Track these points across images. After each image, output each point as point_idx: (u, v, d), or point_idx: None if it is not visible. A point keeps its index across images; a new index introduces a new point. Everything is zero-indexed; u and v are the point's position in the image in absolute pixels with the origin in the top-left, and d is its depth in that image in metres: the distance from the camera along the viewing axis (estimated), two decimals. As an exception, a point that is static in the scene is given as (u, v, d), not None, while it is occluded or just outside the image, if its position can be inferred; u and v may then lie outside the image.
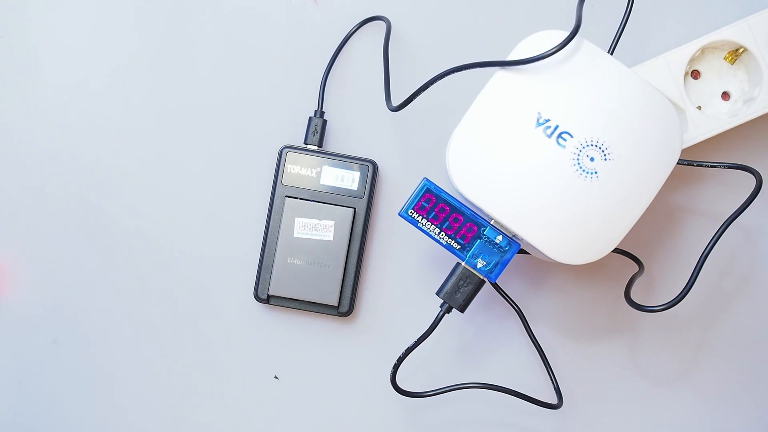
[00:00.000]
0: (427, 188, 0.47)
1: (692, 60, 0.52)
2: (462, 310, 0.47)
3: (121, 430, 0.55)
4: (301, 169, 0.54)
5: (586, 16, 0.54)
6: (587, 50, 0.46)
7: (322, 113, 0.55)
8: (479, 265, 0.47)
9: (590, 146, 0.45)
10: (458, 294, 0.47)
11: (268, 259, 0.54)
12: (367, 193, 0.54)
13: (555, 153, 0.45)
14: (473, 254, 0.47)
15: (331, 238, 0.53)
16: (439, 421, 0.55)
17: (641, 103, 0.46)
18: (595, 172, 0.45)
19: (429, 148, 0.55)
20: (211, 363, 0.55)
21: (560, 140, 0.45)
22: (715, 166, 0.49)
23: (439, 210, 0.47)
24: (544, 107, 0.45)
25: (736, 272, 0.55)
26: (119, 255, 0.55)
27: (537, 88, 0.46)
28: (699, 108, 0.52)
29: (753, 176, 0.48)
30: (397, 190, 0.55)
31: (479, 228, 0.47)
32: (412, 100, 0.49)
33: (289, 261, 0.53)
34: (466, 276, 0.47)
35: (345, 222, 0.53)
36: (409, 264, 0.55)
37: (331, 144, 0.56)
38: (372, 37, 0.56)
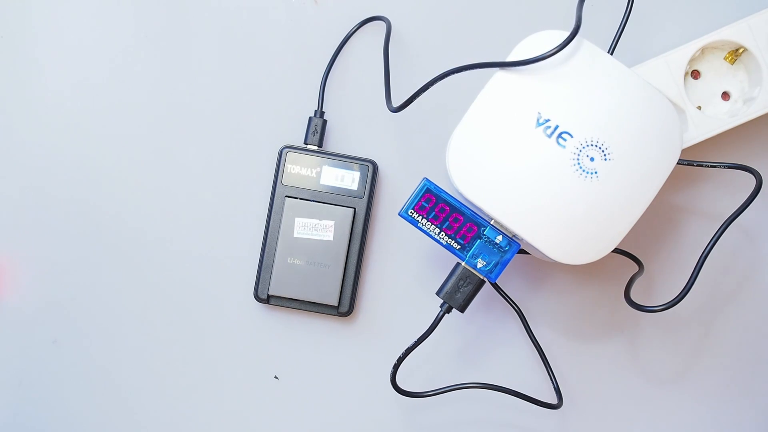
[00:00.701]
0: (427, 188, 0.47)
1: (692, 60, 0.52)
2: (462, 310, 0.47)
3: (122, 430, 0.55)
4: (301, 169, 0.54)
5: (586, 16, 0.54)
6: (587, 50, 0.46)
7: (322, 113, 0.55)
8: (479, 265, 0.47)
9: (590, 146, 0.45)
10: (458, 294, 0.47)
11: (268, 259, 0.54)
12: (367, 193, 0.54)
13: (555, 153, 0.45)
14: (473, 254, 0.47)
15: (331, 238, 0.53)
16: (439, 421, 0.55)
17: (641, 103, 0.46)
18: (595, 172, 0.45)
19: (429, 148, 0.55)
20: (211, 363, 0.55)
21: (560, 140, 0.45)
22: (715, 166, 0.49)
23: (439, 210, 0.47)
24: (544, 107, 0.45)
25: (736, 272, 0.55)
26: (119, 255, 0.55)
27: (537, 88, 0.46)
28: (699, 108, 0.52)
29: (753, 176, 0.48)
30: (397, 190, 0.55)
31: (479, 228, 0.47)
32: (412, 101, 0.49)
33: (289, 261, 0.53)
34: (466, 276, 0.47)
35: (345, 222, 0.53)
36: (409, 264, 0.55)
37: (331, 144, 0.56)
38: (372, 37, 0.56)
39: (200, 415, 0.55)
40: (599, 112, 0.45)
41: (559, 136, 0.45)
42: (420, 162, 0.55)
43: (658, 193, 0.46)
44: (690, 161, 0.50)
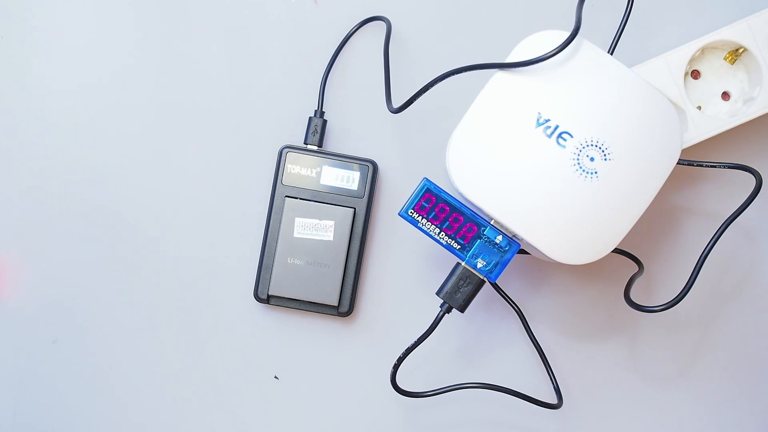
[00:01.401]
0: (427, 188, 0.47)
1: (692, 60, 0.52)
2: (462, 310, 0.47)
3: (121, 430, 0.55)
4: (301, 169, 0.54)
5: (586, 16, 0.54)
6: (587, 50, 0.46)
7: (322, 113, 0.55)
8: (479, 265, 0.47)
9: (590, 146, 0.45)
10: (458, 294, 0.47)
11: (268, 259, 0.54)
12: (367, 193, 0.54)
13: (555, 153, 0.45)
14: (473, 254, 0.47)
15: (331, 238, 0.53)
16: (439, 421, 0.55)
17: (641, 103, 0.46)
18: (595, 172, 0.45)
19: (429, 148, 0.55)
20: (211, 363, 0.55)
21: (560, 140, 0.45)
22: (715, 166, 0.49)
23: (439, 210, 0.47)
24: (544, 107, 0.45)
25: (736, 272, 0.55)
26: (119, 255, 0.55)
27: (537, 88, 0.46)
28: (699, 108, 0.52)
29: (753, 176, 0.48)
30: (397, 190, 0.55)
31: (479, 228, 0.47)
32: (412, 102, 0.49)
33: (289, 261, 0.53)
34: (466, 276, 0.47)
35: (345, 222, 0.53)
36: (409, 264, 0.55)
37: (331, 144, 0.56)
38: (372, 37, 0.56)
39: (200, 415, 0.55)
40: (599, 112, 0.45)
41: (559, 136, 0.45)
42: (420, 162, 0.55)
43: (658, 193, 0.46)
44: (690, 161, 0.50)
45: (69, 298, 0.55)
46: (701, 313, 0.55)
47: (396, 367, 0.49)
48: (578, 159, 0.45)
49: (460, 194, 0.46)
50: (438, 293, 0.47)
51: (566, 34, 0.45)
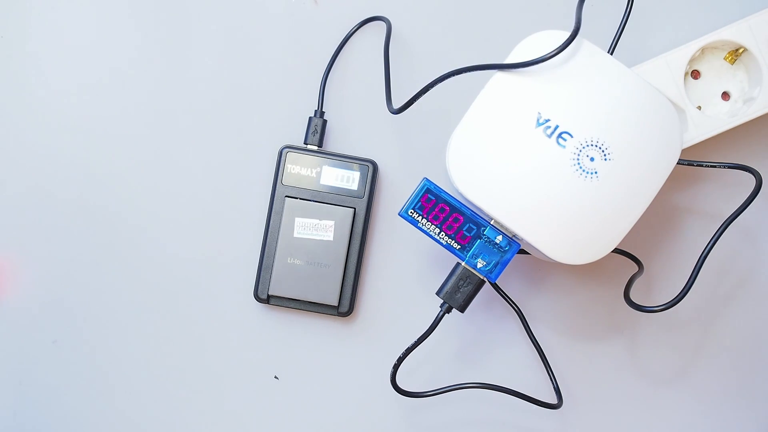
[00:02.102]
0: (427, 188, 0.47)
1: (692, 60, 0.52)
2: (462, 310, 0.47)
3: (121, 430, 0.55)
4: (301, 169, 0.54)
5: (586, 16, 0.54)
6: (587, 50, 0.46)
7: (322, 113, 0.55)
8: (479, 265, 0.47)
9: (590, 146, 0.45)
10: (458, 294, 0.47)
11: (268, 259, 0.54)
12: (367, 193, 0.54)
13: (555, 153, 0.45)
14: (473, 254, 0.47)
15: (331, 238, 0.53)
16: (439, 421, 0.55)
17: (641, 103, 0.46)
18: (595, 172, 0.45)
19: (429, 148, 0.55)
20: (211, 363, 0.55)
21: (560, 140, 0.45)
22: (715, 166, 0.49)
23: (439, 210, 0.47)
24: (544, 107, 0.45)
25: (736, 272, 0.55)
26: (119, 255, 0.55)
27: (537, 88, 0.46)
28: (699, 108, 0.52)
29: (753, 176, 0.48)
30: (397, 190, 0.55)
31: (479, 228, 0.47)
32: (412, 103, 0.49)
33: (289, 261, 0.53)
34: (466, 276, 0.47)
35: (345, 222, 0.53)
36: (409, 264, 0.55)
37: (331, 144, 0.56)
38: (372, 37, 0.56)
39: (200, 415, 0.55)
40: (599, 112, 0.45)
41: (559, 136, 0.45)
42: (420, 162, 0.55)
43: (658, 193, 0.46)
44: (690, 161, 0.50)
45: (69, 298, 0.55)
46: (701, 313, 0.55)
47: (396, 367, 0.49)
48: (578, 159, 0.45)
49: (460, 194, 0.46)
50: (438, 293, 0.47)
51: (566, 34, 0.45)
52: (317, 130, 0.54)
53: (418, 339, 0.48)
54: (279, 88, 0.56)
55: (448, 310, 0.48)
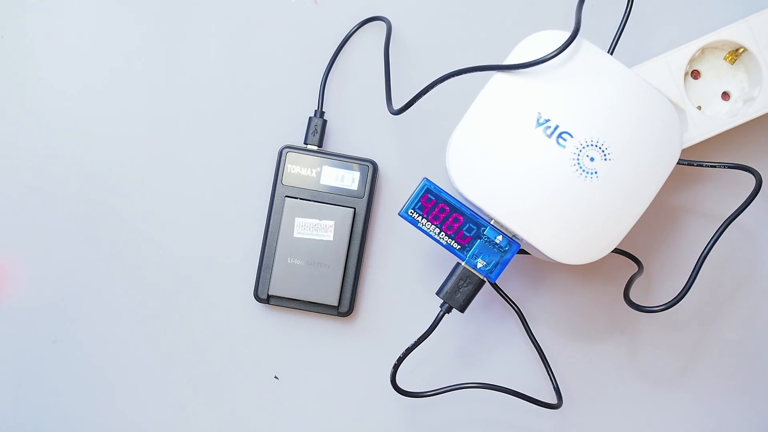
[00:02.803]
0: (427, 188, 0.47)
1: (692, 60, 0.52)
2: (462, 310, 0.47)
3: (121, 430, 0.55)
4: (301, 169, 0.54)
5: (585, 16, 0.54)
6: (587, 50, 0.46)
7: (322, 113, 0.55)
8: (479, 265, 0.47)
9: (590, 146, 0.45)
10: (458, 294, 0.47)
11: (268, 259, 0.54)
12: (367, 193, 0.54)
13: (555, 153, 0.45)
14: (473, 254, 0.47)
15: (331, 238, 0.53)
16: (439, 421, 0.55)
17: (641, 103, 0.46)
18: (595, 172, 0.45)
19: (429, 148, 0.55)
20: (211, 363, 0.55)
21: (560, 140, 0.45)
22: (715, 166, 0.49)
23: (439, 210, 0.47)
24: (544, 107, 0.45)
25: (735, 272, 0.55)
26: (119, 255, 0.55)
27: (537, 88, 0.46)
28: (699, 108, 0.52)
29: (753, 176, 0.48)
30: (397, 190, 0.55)
31: (479, 228, 0.47)
32: (412, 104, 0.49)
33: (289, 261, 0.53)
34: (466, 276, 0.47)
35: (345, 222, 0.53)
36: (409, 264, 0.55)
37: (331, 144, 0.56)
38: (372, 37, 0.56)
39: (200, 415, 0.55)
40: (599, 112, 0.45)
41: (559, 136, 0.45)
42: (420, 162, 0.55)
43: (658, 193, 0.46)
44: (690, 161, 0.50)
45: (69, 298, 0.55)
46: (701, 313, 0.55)
47: (396, 367, 0.49)
48: (578, 159, 0.45)
49: (460, 194, 0.46)
50: (438, 293, 0.47)
51: (566, 34, 0.45)
52: (317, 130, 0.54)
53: (418, 339, 0.48)
54: (279, 88, 0.56)
55: (448, 310, 0.48)
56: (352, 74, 0.56)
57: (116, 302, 0.55)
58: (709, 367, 0.55)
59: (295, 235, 0.53)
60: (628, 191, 0.45)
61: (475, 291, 0.47)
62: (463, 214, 0.47)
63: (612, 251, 0.46)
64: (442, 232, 0.47)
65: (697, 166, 0.50)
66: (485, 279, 0.47)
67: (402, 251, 0.55)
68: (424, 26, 0.56)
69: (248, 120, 0.56)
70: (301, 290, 0.53)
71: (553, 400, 0.52)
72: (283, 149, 0.54)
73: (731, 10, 0.55)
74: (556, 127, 0.45)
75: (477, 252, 0.47)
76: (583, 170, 0.45)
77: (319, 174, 0.54)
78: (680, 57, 0.51)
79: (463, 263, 0.47)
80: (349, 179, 0.54)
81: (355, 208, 0.54)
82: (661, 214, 0.55)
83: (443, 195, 0.47)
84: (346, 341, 0.55)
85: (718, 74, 0.53)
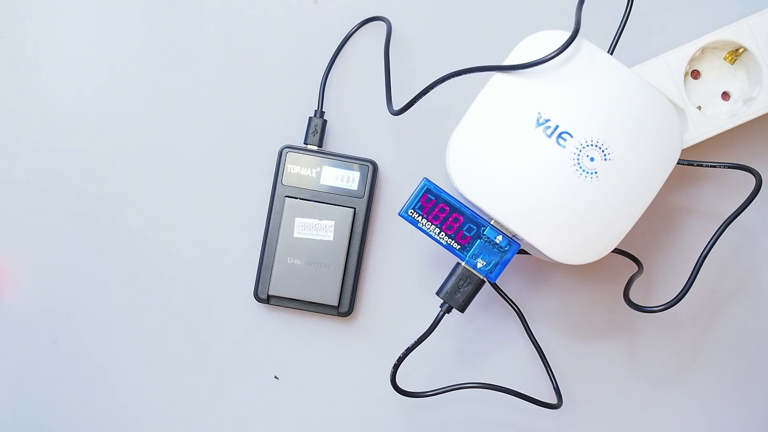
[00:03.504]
0: (427, 188, 0.47)
1: (692, 60, 0.52)
2: (462, 310, 0.47)
3: (121, 430, 0.55)
4: (301, 169, 0.54)
5: (585, 16, 0.54)
6: (587, 50, 0.46)
7: (322, 113, 0.55)
8: (479, 265, 0.47)
9: (590, 146, 0.45)
10: (458, 294, 0.47)
11: (268, 259, 0.54)
12: (367, 193, 0.54)
13: (555, 153, 0.45)
14: (473, 254, 0.47)
15: (331, 238, 0.53)
16: (439, 421, 0.55)
17: (641, 103, 0.46)
18: (595, 172, 0.45)
19: (429, 148, 0.55)
20: (211, 363, 0.55)
21: (560, 140, 0.45)
22: (715, 166, 0.49)
23: (439, 210, 0.47)
24: (544, 107, 0.45)
25: (735, 272, 0.55)
26: (119, 255, 0.55)
27: (537, 88, 0.46)
28: (699, 108, 0.52)
29: (753, 176, 0.48)
30: (397, 190, 0.55)
31: (479, 228, 0.47)
32: (413, 104, 0.49)
33: (289, 261, 0.53)
34: (466, 276, 0.47)
35: (345, 222, 0.53)
36: (409, 264, 0.55)
37: (331, 144, 0.56)
38: (372, 37, 0.56)
39: (200, 415, 0.55)
40: (599, 112, 0.45)
41: (559, 136, 0.45)
42: (420, 162, 0.55)
43: (658, 193, 0.46)
44: (690, 161, 0.50)
45: (69, 298, 0.55)
46: (701, 313, 0.55)
47: (396, 367, 0.49)
48: (578, 159, 0.45)
49: (460, 194, 0.46)
50: (438, 293, 0.47)
51: (566, 34, 0.45)
52: (317, 130, 0.54)
53: (418, 339, 0.48)
54: (279, 88, 0.56)
55: (448, 310, 0.48)
56: (352, 74, 0.56)
57: (116, 302, 0.55)
58: (708, 367, 0.55)
59: (295, 235, 0.53)
60: (628, 191, 0.45)
61: (475, 291, 0.47)
62: (463, 214, 0.47)
63: (612, 251, 0.46)
64: (442, 232, 0.47)
65: (697, 166, 0.50)
66: (485, 279, 0.47)
67: (402, 251, 0.55)
68: (424, 26, 0.56)
69: (248, 120, 0.56)
70: (301, 290, 0.53)
71: (553, 400, 0.52)
72: (283, 149, 0.54)
73: (731, 10, 0.55)
74: (556, 127, 0.45)
75: (477, 252, 0.47)
76: (583, 170, 0.45)
77: (319, 174, 0.54)
78: (680, 57, 0.51)
79: (463, 263, 0.47)
80: (349, 179, 0.54)
81: (355, 208, 0.54)
82: (661, 214, 0.55)
83: (443, 195, 0.47)
84: (346, 341, 0.55)
85: (718, 74, 0.53)
